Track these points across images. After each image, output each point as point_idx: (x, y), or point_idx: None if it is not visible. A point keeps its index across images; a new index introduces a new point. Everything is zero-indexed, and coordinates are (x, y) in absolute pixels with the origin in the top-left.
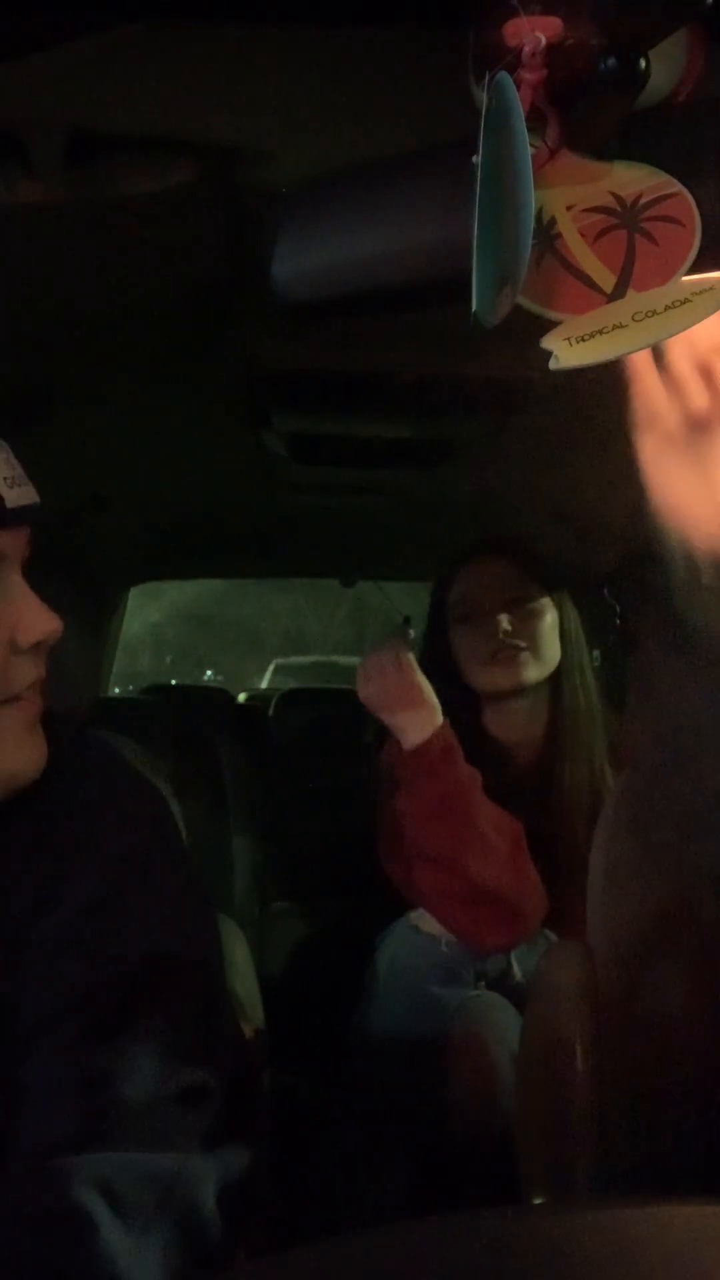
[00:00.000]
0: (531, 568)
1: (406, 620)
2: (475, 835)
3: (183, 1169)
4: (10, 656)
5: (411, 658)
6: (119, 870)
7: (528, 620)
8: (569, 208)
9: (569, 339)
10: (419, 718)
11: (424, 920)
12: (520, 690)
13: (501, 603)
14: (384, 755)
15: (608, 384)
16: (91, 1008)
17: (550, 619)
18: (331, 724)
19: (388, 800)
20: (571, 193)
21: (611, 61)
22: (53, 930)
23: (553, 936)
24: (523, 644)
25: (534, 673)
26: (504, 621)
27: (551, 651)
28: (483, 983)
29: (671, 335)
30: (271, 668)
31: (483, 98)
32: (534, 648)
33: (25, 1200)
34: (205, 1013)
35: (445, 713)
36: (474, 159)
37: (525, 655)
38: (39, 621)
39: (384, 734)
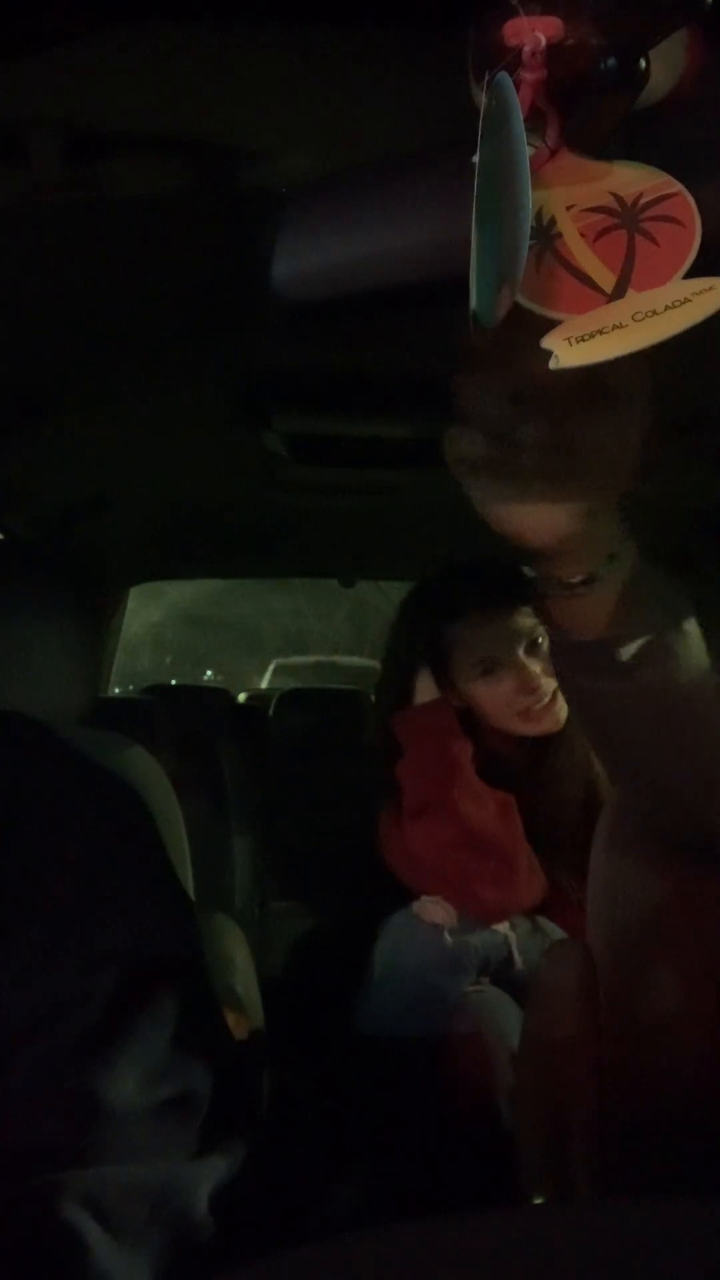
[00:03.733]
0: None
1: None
2: (464, 784)
3: (172, 1178)
4: None
5: None
6: (86, 876)
7: (544, 657)
8: (569, 208)
9: (569, 339)
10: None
11: (425, 910)
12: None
13: (523, 646)
14: (393, 723)
15: (608, 384)
16: (68, 1017)
17: None
18: (331, 724)
19: (384, 772)
20: (571, 193)
21: (611, 61)
22: (23, 940)
23: (553, 931)
24: (553, 684)
25: (565, 711)
26: (537, 672)
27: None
28: (484, 976)
29: (671, 335)
30: (271, 668)
31: (482, 98)
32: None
33: (11, 1221)
34: (187, 1016)
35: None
36: (473, 159)
37: (558, 700)
38: None
39: (394, 708)
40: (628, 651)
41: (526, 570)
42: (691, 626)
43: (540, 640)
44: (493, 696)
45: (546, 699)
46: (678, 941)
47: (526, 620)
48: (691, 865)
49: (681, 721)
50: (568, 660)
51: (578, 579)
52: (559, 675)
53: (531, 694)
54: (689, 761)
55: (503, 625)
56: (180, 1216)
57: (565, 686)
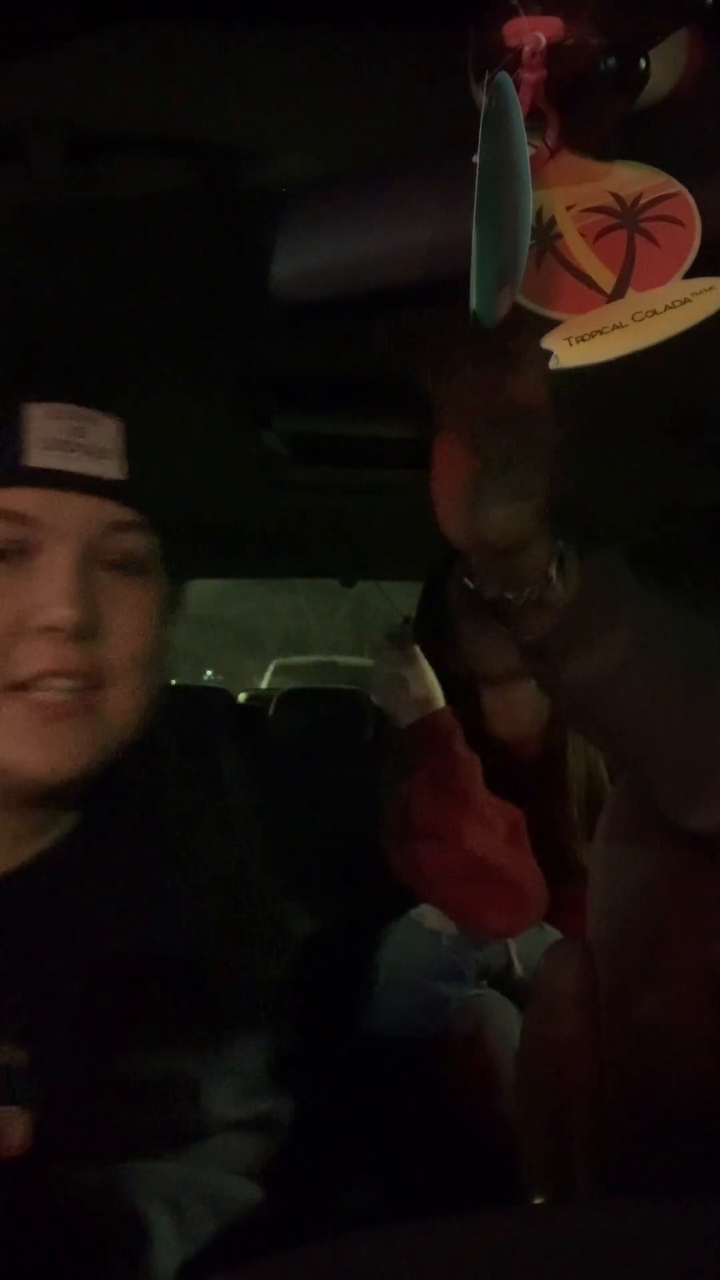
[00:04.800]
0: None
1: (406, 620)
2: (473, 810)
3: (239, 1194)
4: (17, 637)
5: (416, 649)
6: (228, 888)
7: None
8: (569, 208)
9: (569, 339)
10: (419, 701)
11: (427, 916)
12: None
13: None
14: (396, 739)
15: (608, 384)
16: (197, 1022)
17: None
18: (331, 724)
19: (393, 784)
20: (571, 193)
21: (611, 61)
22: (168, 940)
23: (554, 932)
24: None
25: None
26: None
27: None
28: (485, 980)
29: (671, 335)
30: (271, 668)
31: (482, 98)
32: None
33: (92, 1195)
34: (289, 1043)
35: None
36: (473, 159)
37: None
38: (51, 606)
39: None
40: (575, 643)
41: (468, 582)
42: (659, 618)
43: None
44: (479, 628)
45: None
46: (677, 935)
47: None
48: (691, 858)
49: (647, 709)
50: (527, 657)
51: (519, 594)
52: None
53: None
54: (668, 743)
55: None
56: (234, 1231)
57: (540, 683)
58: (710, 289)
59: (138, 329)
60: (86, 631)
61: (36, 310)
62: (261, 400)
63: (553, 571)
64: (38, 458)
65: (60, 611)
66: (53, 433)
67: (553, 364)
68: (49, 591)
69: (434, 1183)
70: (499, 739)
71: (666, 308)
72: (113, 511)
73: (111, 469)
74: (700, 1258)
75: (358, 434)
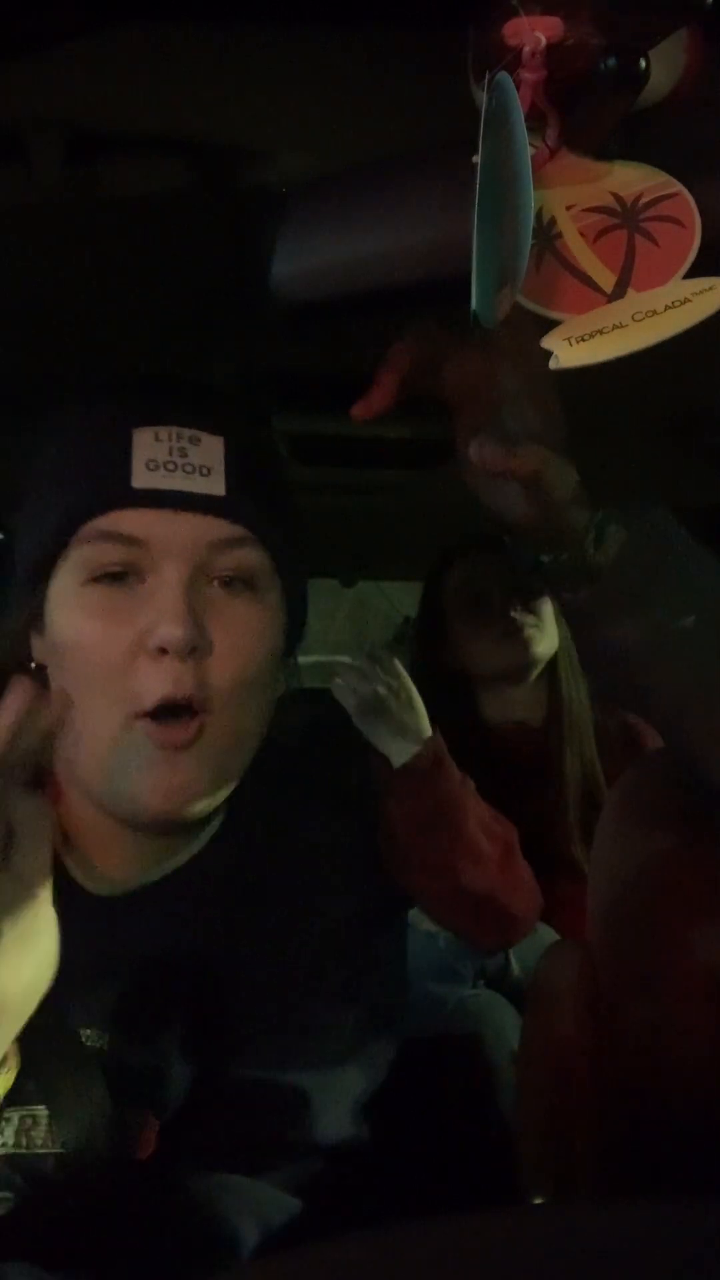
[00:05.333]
0: None
1: (407, 620)
2: (465, 846)
3: (303, 1219)
4: (133, 660)
5: (399, 666)
6: (355, 912)
7: (530, 602)
8: (569, 208)
9: (569, 339)
10: (408, 730)
11: (422, 918)
12: (527, 668)
13: (506, 587)
14: (381, 774)
15: (608, 385)
16: (314, 1042)
17: (550, 606)
18: (331, 724)
19: (384, 814)
20: (571, 193)
21: (611, 61)
22: (292, 961)
23: (551, 932)
24: (531, 619)
25: (542, 648)
26: (515, 603)
27: (554, 633)
28: (481, 981)
29: (671, 335)
30: None
31: (483, 98)
32: (540, 625)
33: (196, 1204)
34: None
35: (443, 706)
36: (474, 159)
37: (533, 631)
38: (162, 626)
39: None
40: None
41: (506, 540)
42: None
43: (520, 585)
44: (471, 627)
45: (521, 624)
46: (677, 935)
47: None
48: (691, 858)
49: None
50: (570, 619)
51: (556, 556)
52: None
53: (506, 618)
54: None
55: (492, 565)
56: (280, 1245)
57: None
58: (710, 289)
59: (137, 329)
60: (197, 649)
61: (35, 310)
62: (261, 400)
63: (590, 539)
64: (142, 479)
65: (171, 631)
66: (156, 454)
67: (553, 364)
68: (160, 611)
69: (434, 1183)
70: (495, 739)
71: (666, 308)
72: (219, 528)
73: (215, 486)
74: (700, 1258)
75: (358, 434)
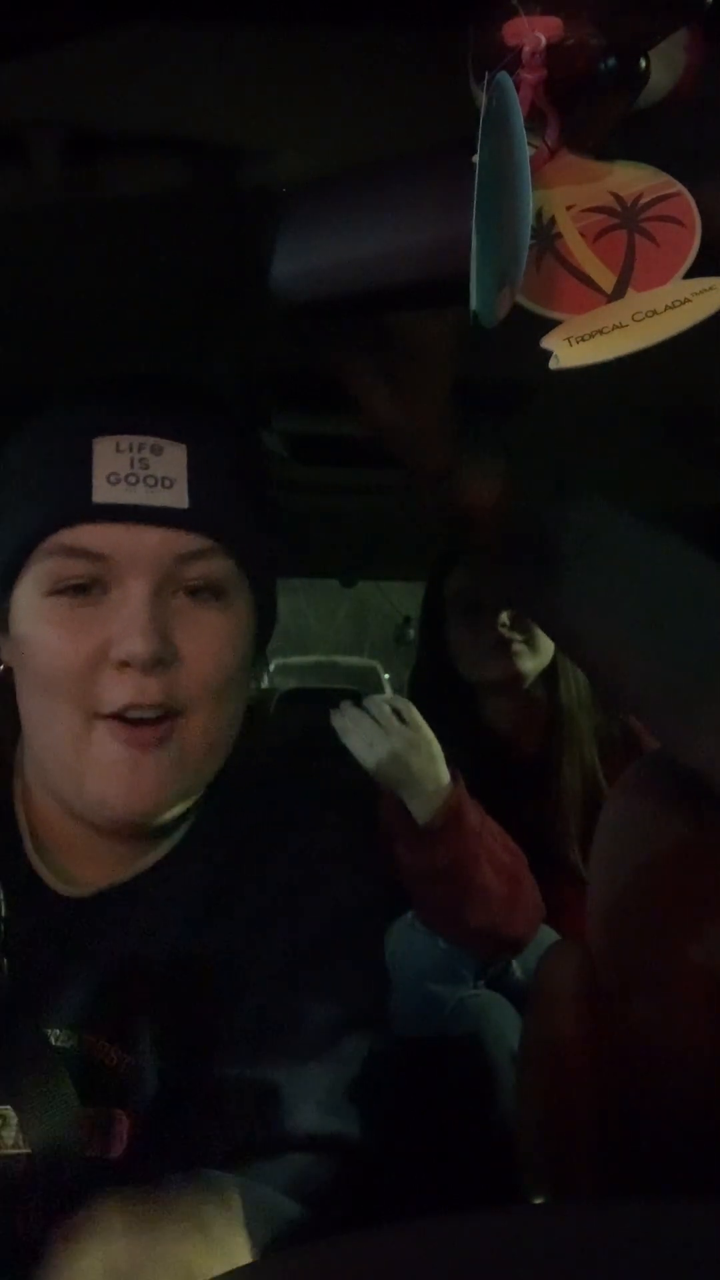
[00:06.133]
0: None
1: (407, 620)
2: (475, 894)
3: (288, 1214)
4: (97, 671)
5: (418, 715)
6: (325, 911)
7: (522, 616)
8: (569, 208)
9: (569, 339)
10: (429, 779)
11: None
12: (516, 681)
13: (498, 597)
14: (382, 807)
15: (608, 385)
16: (287, 1037)
17: None
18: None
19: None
20: (571, 193)
21: (611, 61)
22: (260, 958)
23: (552, 933)
24: (519, 636)
25: (529, 664)
26: (503, 616)
27: (547, 645)
28: (481, 981)
29: (671, 335)
30: (271, 668)
31: (483, 98)
32: (530, 640)
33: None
34: (372, 1070)
35: (444, 710)
36: (474, 159)
37: (520, 647)
38: (126, 640)
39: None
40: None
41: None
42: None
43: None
44: (464, 635)
45: (508, 641)
46: (676, 936)
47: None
48: (690, 858)
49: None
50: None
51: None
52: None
53: (493, 631)
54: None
55: (487, 574)
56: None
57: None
58: (710, 289)
59: (137, 330)
60: (162, 662)
61: (35, 311)
62: (261, 400)
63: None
64: (103, 493)
65: (134, 645)
66: (118, 466)
67: (553, 364)
68: (123, 625)
69: (434, 1183)
70: (496, 743)
71: (666, 308)
72: (184, 541)
73: (178, 498)
74: (700, 1258)
75: (358, 434)
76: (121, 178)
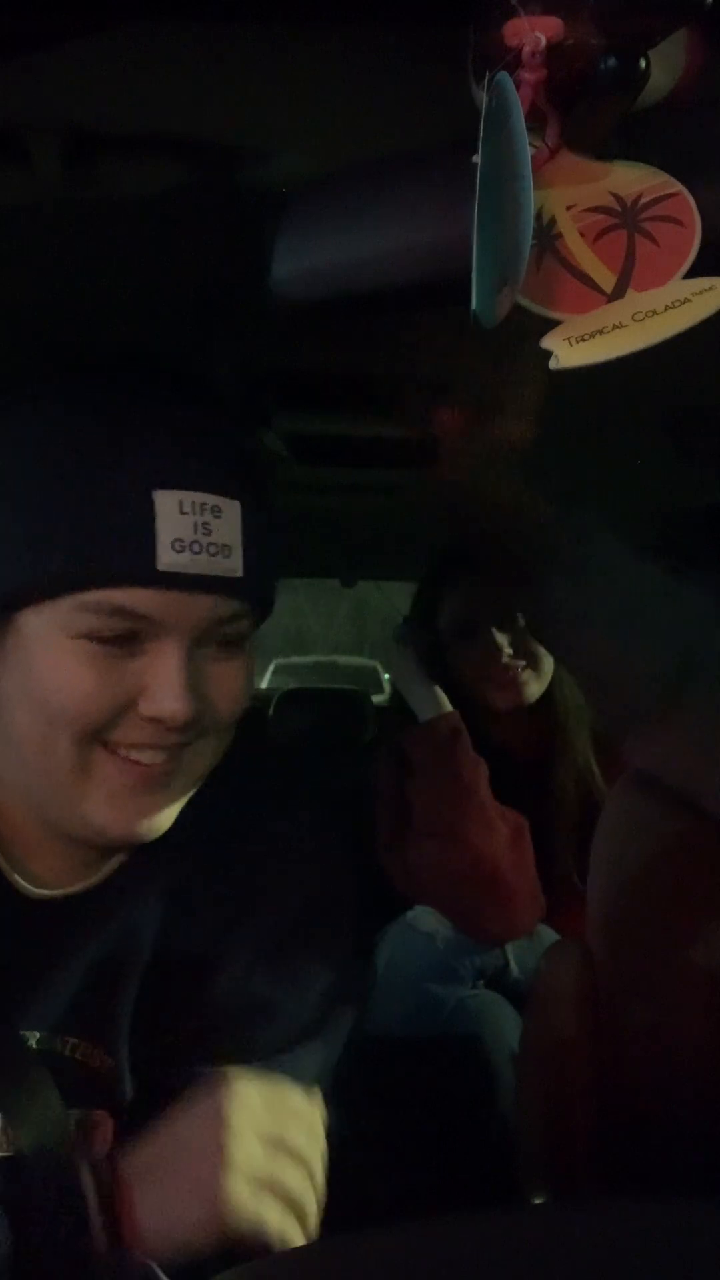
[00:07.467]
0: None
1: (407, 620)
2: (478, 811)
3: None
4: (123, 713)
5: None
6: (318, 901)
7: (523, 633)
8: (569, 208)
9: (569, 339)
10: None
11: (421, 919)
12: (517, 707)
13: (496, 619)
14: (403, 742)
15: (608, 385)
16: (264, 1031)
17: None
18: (331, 724)
19: (390, 789)
20: (571, 193)
21: (611, 61)
22: (235, 954)
23: (550, 933)
24: (522, 662)
25: (535, 689)
26: (504, 644)
27: (548, 661)
28: (481, 981)
29: (671, 335)
30: (271, 667)
31: (483, 98)
32: (533, 663)
33: None
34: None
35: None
36: (473, 159)
37: (526, 673)
38: (162, 699)
39: (399, 728)
40: None
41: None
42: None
43: (511, 617)
44: (464, 660)
45: (513, 670)
46: (675, 936)
47: (501, 596)
48: (689, 859)
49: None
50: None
51: None
52: None
53: (496, 660)
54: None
55: (482, 595)
56: None
57: None
58: (710, 289)
59: (137, 330)
60: (192, 719)
61: (35, 311)
62: (261, 400)
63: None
64: (167, 560)
65: (171, 705)
66: (182, 532)
67: (553, 364)
68: (159, 684)
69: (434, 1183)
70: (492, 749)
71: (666, 308)
72: (230, 606)
73: (234, 567)
74: (700, 1258)
75: (358, 434)
76: (121, 178)
